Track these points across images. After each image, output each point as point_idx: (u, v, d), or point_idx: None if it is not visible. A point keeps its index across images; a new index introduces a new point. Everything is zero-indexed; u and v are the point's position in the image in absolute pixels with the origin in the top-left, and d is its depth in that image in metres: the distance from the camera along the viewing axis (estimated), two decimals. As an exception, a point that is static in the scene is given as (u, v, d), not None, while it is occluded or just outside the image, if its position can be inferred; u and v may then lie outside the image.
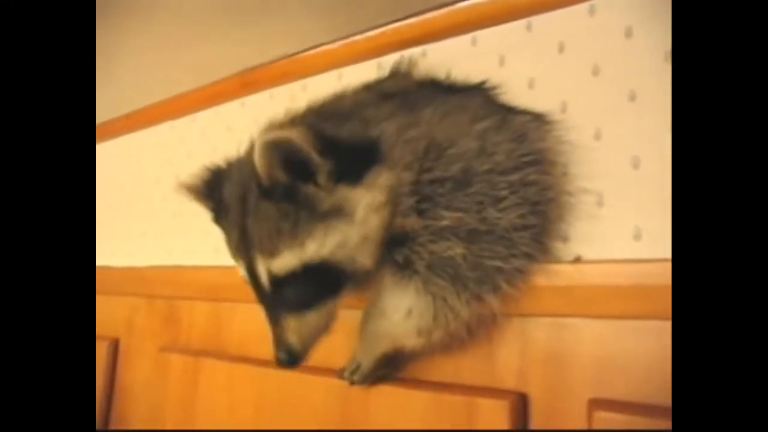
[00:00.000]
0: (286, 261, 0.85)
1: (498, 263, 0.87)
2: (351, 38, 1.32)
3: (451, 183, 0.87)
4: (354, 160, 0.86)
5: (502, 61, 1.11)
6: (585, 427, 0.88)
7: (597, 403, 0.88)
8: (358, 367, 1.04)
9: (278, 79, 1.48)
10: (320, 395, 1.18)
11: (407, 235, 0.89)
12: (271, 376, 1.27)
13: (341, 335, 1.17)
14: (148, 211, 1.82)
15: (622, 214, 0.93)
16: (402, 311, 0.92)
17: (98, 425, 1.68)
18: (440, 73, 1.11)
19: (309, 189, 0.84)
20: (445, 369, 1.05)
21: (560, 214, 0.95)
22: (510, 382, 0.97)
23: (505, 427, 0.92)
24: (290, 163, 0.82)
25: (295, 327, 0.87)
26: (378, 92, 1.03)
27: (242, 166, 0.93)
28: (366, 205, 0.85)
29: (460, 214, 0.86)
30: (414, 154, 0.88)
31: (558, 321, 0.95)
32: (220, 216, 0.97)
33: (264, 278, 0.87)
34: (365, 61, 1.31)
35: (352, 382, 1.05)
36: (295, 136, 0.80)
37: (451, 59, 1.15)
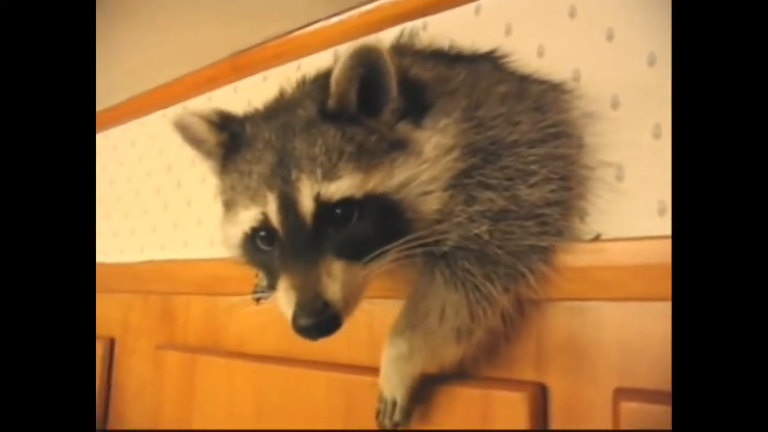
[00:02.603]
0: (346, 185, 0.73)
1: (531, 241, 0.80)
2: (346, 13, 1.25)
3: (483, 155, 0.80)
4: (415, 99, 0.79)
5: (508, 30, 1.04)
6: (610, 418, 0.81)
7: (623, 393, 0.81)
8: (394, 406, 0.89)
9: (271, 60, 1.41)
10: (323, 391, 1.11)
11: (440, 214, 0.80)
12: (271, 372, 1.21)
13: (346, 328, 1.12)
14: (140, 204, 1.75)
15: (645, 187, 0.86)
16: (435, 313, 0.82)
17: (97, 426, 1.62)
18: (443, 45, 1.04)
19: (373, 122, 0.78)
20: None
21: (582, 189, 0.88)
22: (528, 373, 0.90)
23: (524, 420, 0.86)
24: (365, 90, 0.76)
25: (338, 274, 0.72)
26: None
27: (283, 100, 0.88)
28: (435, 146, 0.77)
29: (490, 194, 0.79)
30: (459, 110, 0.81)
31: (578, 305, 0.88)
32: (235, 149, 0.84)
33: (308, 206, 0.74)
34: (362, 37, 1.23)
35: (396, 426, 0.90)
36: (387, 56, 0.74)
37: (453, 31, 1.08)
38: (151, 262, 1.64)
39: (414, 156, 0.77)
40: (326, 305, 0.71)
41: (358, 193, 0.74)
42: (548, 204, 0.81)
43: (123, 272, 1.68)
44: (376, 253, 0.75)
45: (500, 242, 0.79)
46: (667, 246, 0.79)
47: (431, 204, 0.78)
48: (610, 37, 0.92)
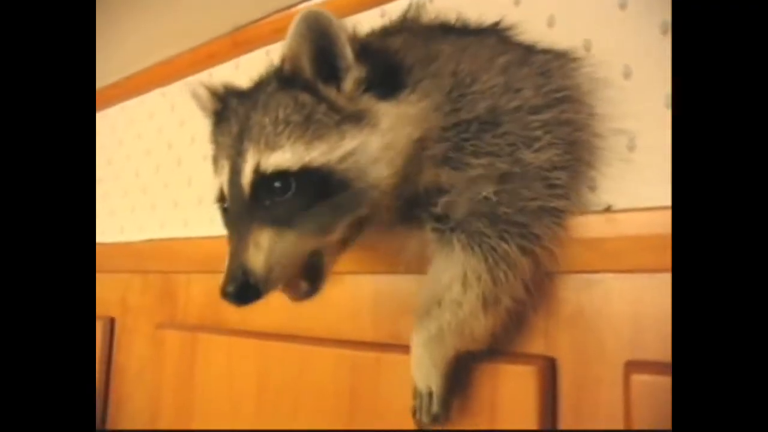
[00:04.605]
0: (284, 157, 0.74)
1: (541, 202, 0.79)
2: (352, -15, 1.23)
3: (477, 124, 0.79)
4: (387, 76, 0.78)
5: (518, 1, 1.02)
6: (621, 392, 0.80)
7: (634, 366, 0.80)
8: (431, 397, 0.84)
9: (273, 35, 1.38)
10: (328, 368, 1.10)
11: (441, 189, 0.80)
12: (273, 350, 1.19)
13: (350, 303, 1.10)
14: (139, 183, 1.73)
15: (657, 157, 0.84)
16: (457, 282, 0.79)
17: (97, 406, 1.61)
18: (450, 17, 1.02)
19: (330, 92, 0.76)
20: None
21: (591, 158, 0.86)
22: (537, 346, 0.89)
23: (533, 394, 0.84)
24: (321, 53, 0.75)
25: (264, 243, 0.73)
26: (384, 32, 0.95)
27: (263, 78, 0.87)
28: (394, 116, 0.76)
29: (489, 159, 0.78)
30: (441, 92, 0.80)
31: (588, 277, 0.86)
32: (219, 120, 0.86)
33: (247, 177, 0.75)
34: (367, 10, 1.22)
35: (436, 419, 0.84)
36: (337, 21, 0.73)
37: (461, 2, 1.06)
38: (151, 241, 1.62)
39: (368, 127, 0.76)
40: (245, 274, 0.71)
41: (294, 166, 0.73)
42: (555, 167, 0.80)
43: (122, 251, 1.66)
44: (313, 223, 0.75)
45: (509, 203, 0.78)
46: (679, 216, 0.78)
47: (382, 170, 0.76)
48: (623, 5, 0.91)
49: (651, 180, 0.84)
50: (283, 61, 0.78)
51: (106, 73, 1.77)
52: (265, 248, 0.73)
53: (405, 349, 0.99)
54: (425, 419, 0.84)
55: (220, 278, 1.37)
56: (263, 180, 0.74)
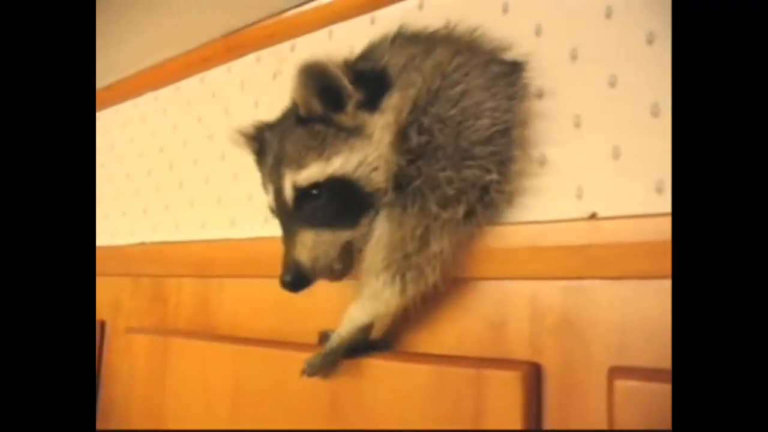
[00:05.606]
0: (312, 172, 0.90)
1: (448, 173, 0.86)
2: (342, -9, 1.24)
3: (445, 99, 0.89)
4: (374, 88, 0.91)
5: (505, 9, 1.03)
6: (605, 397, 0.81)
7: (618, 372, 0.80)
8: (331, 349, 0.97)
9: (265, 40, 1.39)
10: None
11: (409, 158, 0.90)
12: (264, 354, 1.19)
13: (334, 308, 1.11)
14: (131, 187, 1.73)
15: (642, 165, 0.85)
16: (372, 247, 0.92)
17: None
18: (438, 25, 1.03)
19: (340, 117, 0.92)
20: (447, 340, 0.97)
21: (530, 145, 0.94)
22: (521, 352, 0.90)
23: (518, 400, 0.85)
24: (325, 92, 0.90)
25: (308, 242, 0.90)
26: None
27: (286, 111, 1.02)
28: (381, 127, 0.91)
29: (440, 126, 0.87)
30: (422, 75, 0.91)
31: (573, 284, 0.87)
32: (261, 154, 1.04)
33: (289, 192, 0.92)
34: (358, 17, 1.22)
35: (318, 367, 0.98)
36: (329, 63, 0.88)
37: (450, 10, 1.07)
38: (143, 244, 1.63)
39: (367, 139, 0.91)
40: (296, 266, 0.89)
41: (321, 177, 0.90)
42: (480, 142, 0.87)
43: (114, 255, 1.66)
44: (341, 223, 0.91)
45: (425, 179, 0.87)
46: (664, 224, 0.79)
47: (380, 176, 0.91)
48: (608, 15, 0.91)
49: (636, 188, 0.85)
50: (296, 105, 0.94)
51: (100, 76, 1.77)
52: (308, 246, 0.90)
53: (387, 354, 1.00)
54: (316, 362, 0.98)
55: (211, 282, 1.39)
56: (301, 192, 0.91)
